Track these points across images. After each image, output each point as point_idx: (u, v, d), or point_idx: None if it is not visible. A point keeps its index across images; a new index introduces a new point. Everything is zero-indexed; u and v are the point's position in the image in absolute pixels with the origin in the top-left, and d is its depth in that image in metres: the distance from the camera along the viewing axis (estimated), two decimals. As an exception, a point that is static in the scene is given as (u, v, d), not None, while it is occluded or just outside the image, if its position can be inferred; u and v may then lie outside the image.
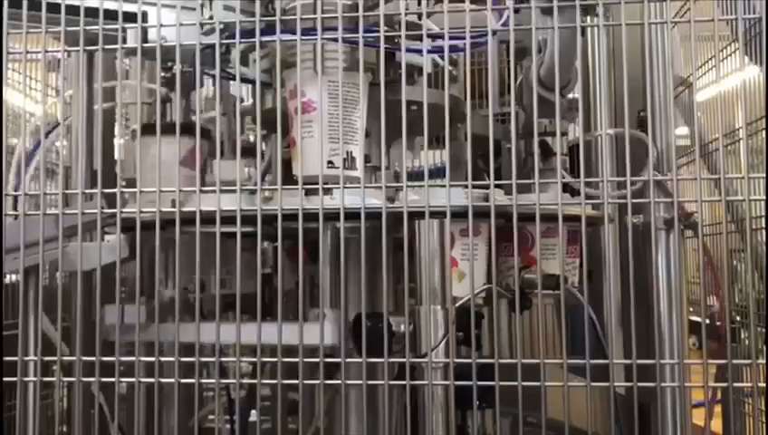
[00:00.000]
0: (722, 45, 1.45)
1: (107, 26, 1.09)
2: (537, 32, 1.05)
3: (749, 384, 0.99)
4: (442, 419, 1.11)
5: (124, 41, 1.13)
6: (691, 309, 1.53)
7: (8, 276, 1.46)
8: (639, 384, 1.00)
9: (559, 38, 1.04)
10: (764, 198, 1.00)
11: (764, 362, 1.03)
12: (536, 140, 1.03)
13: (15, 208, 1.14)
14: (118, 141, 1.63)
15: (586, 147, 1.62)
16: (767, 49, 1.00)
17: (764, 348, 1.07)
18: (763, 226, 1.39)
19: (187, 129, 1.25)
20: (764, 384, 1.02)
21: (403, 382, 1.05)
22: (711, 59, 1.39)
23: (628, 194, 1.00)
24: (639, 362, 1.00)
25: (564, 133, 1.44)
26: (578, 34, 1.06)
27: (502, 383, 1.01)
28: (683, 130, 2.15)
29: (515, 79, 1.49)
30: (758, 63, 1.42)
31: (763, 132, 1.17)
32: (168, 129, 1.21)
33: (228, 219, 1.08)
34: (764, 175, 0.99)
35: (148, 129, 1.29)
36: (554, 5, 1.00)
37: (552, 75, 1.09)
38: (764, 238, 1.47)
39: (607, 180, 1.01)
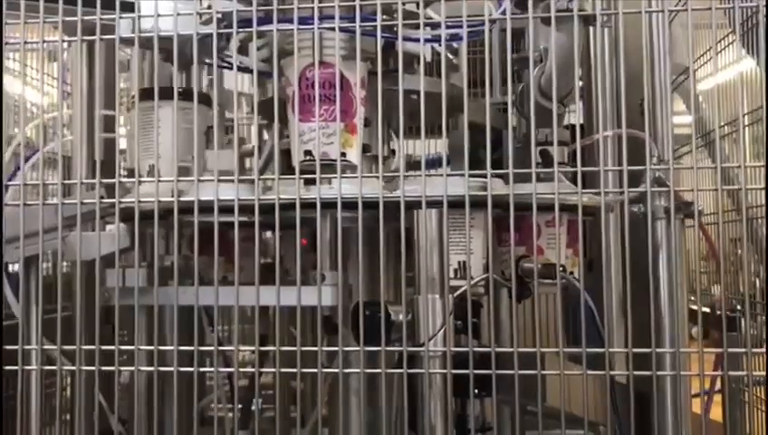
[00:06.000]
0: (721, 35, 1.44)
1: (104, 16, 1.09)
2: (538, 41, 1.05)
3: (744, 373, 0.99)
4: (440, 407, 1.11)
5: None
6: (692, 298, 1.53)
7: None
8: (635, 373, 1.00)
9: (559, 48, 1.05)
10: (762, 186, 0.99)
11: (763, 350, 1.03)
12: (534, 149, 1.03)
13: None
14: (118, 130, 1.63)
15: (588, 133, 1.63)
16: (766, 37, 0.99)
17: (765, 337, 1.07)
18: (761, 215, 1.39)
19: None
20: (762, 373, 1.02)
21: (400, 371, 1.06)
22: (710, 49, 1.39)
23: (624, 184, 1.00)
24: (636, 350, 1.00)
25: (564, 143, 1.44)
26: (576, 44, 1.06)
27: (498, 372, 1.01)
28: (687, 118, 2.14)
29: (513, 73, 1.48)
30: (753, 55, 1.42)
31: (763, 121, 1.17)
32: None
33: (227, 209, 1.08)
34: (762, 164, 0.98)
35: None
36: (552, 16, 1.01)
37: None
38: (764, 227, 1.47)
39: (604, 170, 1.01)
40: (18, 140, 1.39)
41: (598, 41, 1.66)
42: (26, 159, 1.30)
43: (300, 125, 1.27)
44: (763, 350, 1.01)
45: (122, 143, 1.62)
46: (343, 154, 1.24)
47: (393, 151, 1.55)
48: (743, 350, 0.99)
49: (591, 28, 1.55)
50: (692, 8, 0.99)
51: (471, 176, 1.06)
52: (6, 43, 1.16)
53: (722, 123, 1.82)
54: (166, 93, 1.20)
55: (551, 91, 1.20)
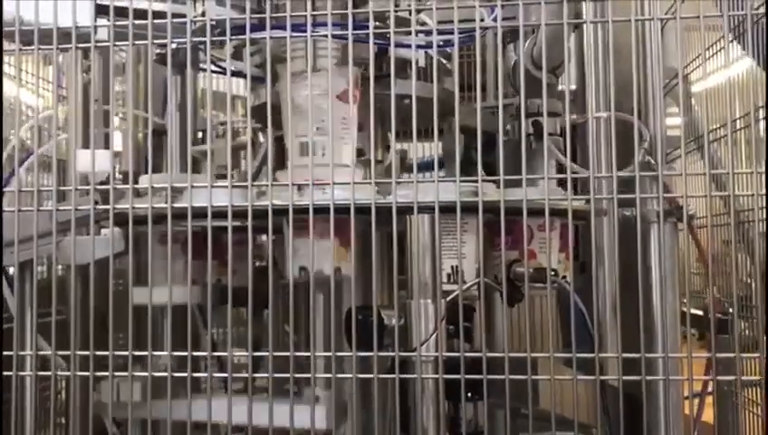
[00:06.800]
0: (715, 37, 1.45)
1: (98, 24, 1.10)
2: (529, 15, 1.05)
3: (732, 377, 1.00)
4: (432, 411, 1.12)
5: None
6: (684, 300, 1.54)
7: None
8: (624, 378, 1.01)
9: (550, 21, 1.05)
10: (751, 193, 1.00)
11: (753, 356, 1.04)
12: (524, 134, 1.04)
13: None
14: (112, 135, 1.63)
15: (581, 136, 1.63)
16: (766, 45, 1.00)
17: (763, 340, 1.08)
18: (753, 219, 1.39)
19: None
20: (757, 377, 1.03)
21: (393, 376, 1.06)
22: (699, 56, 1.40)
23: (614, 189, 1.01)
24: (625, 355, 1.01)
25: (556, 114, 1.44)
26: (564, 28, 1.06)
27: (489, 377, 1.02)
28: (680, 120, 2.14)
29: (505, 45, 1.48)
30: (753, 56, 1.42)
31: (755, 124, 1.18)
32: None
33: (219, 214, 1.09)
34: (750, 171, 0.99)
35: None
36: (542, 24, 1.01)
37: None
38: (762, 232, 1.47)
39: (594, 176, 1.01)
40: (13, 144, 1.39)
41: (591, 44, 1.66)
42: (21, 163, 1.31)
43: (294, 241, 1.25)
44: (753, 355, 1.02)
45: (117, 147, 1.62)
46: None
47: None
48: (732, 355, 1.00)
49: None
50: (681, 17, 1.00)
51: (463, 181, 1.07)
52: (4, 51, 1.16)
53: (714, 126, 1.83)
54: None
55: (542, 62, 1.19)
